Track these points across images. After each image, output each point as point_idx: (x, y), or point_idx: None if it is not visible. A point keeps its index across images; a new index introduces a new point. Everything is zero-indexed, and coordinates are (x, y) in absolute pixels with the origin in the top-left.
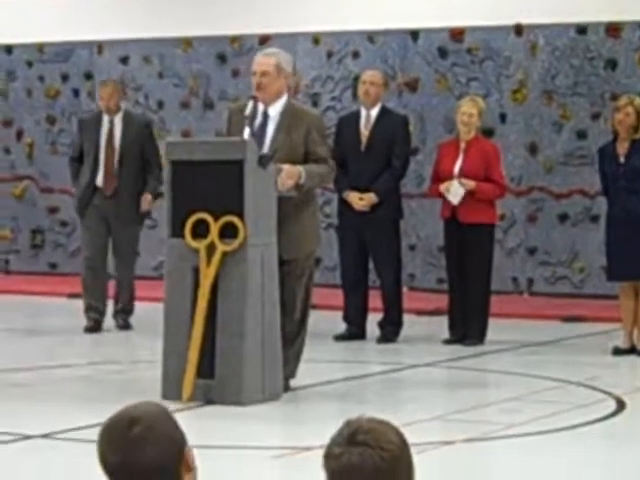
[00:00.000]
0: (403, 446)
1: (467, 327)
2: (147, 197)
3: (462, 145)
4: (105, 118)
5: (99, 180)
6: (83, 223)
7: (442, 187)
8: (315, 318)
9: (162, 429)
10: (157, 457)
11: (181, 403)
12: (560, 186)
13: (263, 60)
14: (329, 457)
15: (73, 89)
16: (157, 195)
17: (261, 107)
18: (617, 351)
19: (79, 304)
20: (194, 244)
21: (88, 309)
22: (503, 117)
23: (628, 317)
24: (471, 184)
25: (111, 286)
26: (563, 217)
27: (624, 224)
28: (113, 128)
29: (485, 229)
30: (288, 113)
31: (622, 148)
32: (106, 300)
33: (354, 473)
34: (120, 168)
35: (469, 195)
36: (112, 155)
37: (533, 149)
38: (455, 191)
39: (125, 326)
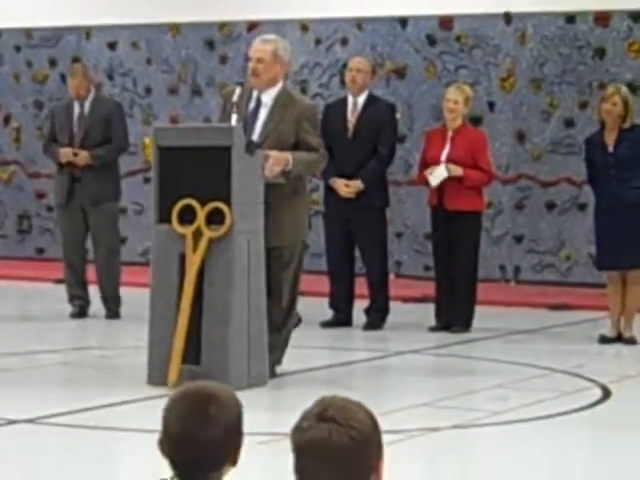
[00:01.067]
0: (373, 428)
1: (453, 314)
2: (83, 153)
3: (449, 133)
4: (76, 104)
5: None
6: (59, 214)
7: (427, 171)
8: (302, 305)
9: (233, 413)
10: (219, 438)
11: (166, 389)
12: (548, 174)
13: (260, 46)
14: (297, 430)
15: (61, 74)
16: (94, 159)
17: (255, 93)
18: (603, 339)
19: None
20: (181, 230)
21: (72, 298)
22: (491, 105)
23: (615, 306)
24: (459, 170)
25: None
26: (550, 205)
27: (613, 213)
28: (83, 112)
29: (472, 217)
30: (282, 101)
31: (610, 138)
32: (87, 287)
33: (320, 448)
34: (84, 147)
35: (456, 182)
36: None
37: (521, 137)
38: (439, 173)
39: (114, 315)
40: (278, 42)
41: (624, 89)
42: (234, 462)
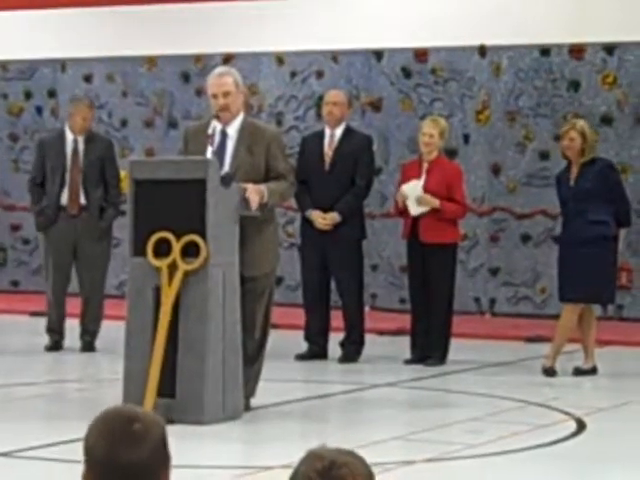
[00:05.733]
0: (370, 477)
1: (429, 347)
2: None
3: (425, 165)
4: (69, 137)
5: (64, 199)
6: (47, 246)
7: (401, 191)
8: (276, 337)
9: (159, 432)
10: (148, 458)
11: None
12: (523, 207)
13: (221, 81)
14: None
15: (36, 107)
16: (114, 216)
17: (218, 126)
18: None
19: (41, 322)
20: (156, 263)
21: (50, 329)
22: (466, 138)
23: (565, 337)
24: (434, 202)
25: (76, 304)
26: (525, 237)
27: (572, 247)
28: (77, 147)
29: (447, 249)
30: (247, 131)
31: (573, 173)
32: (64, 320)
33: None
34: (86, 186)
35: (430, 214)
36: (77, 174)
37: (496, 170)
38: (414, 186)
39: (90, 348)
40: (233, 72)
41: (580, 123)
42: None
